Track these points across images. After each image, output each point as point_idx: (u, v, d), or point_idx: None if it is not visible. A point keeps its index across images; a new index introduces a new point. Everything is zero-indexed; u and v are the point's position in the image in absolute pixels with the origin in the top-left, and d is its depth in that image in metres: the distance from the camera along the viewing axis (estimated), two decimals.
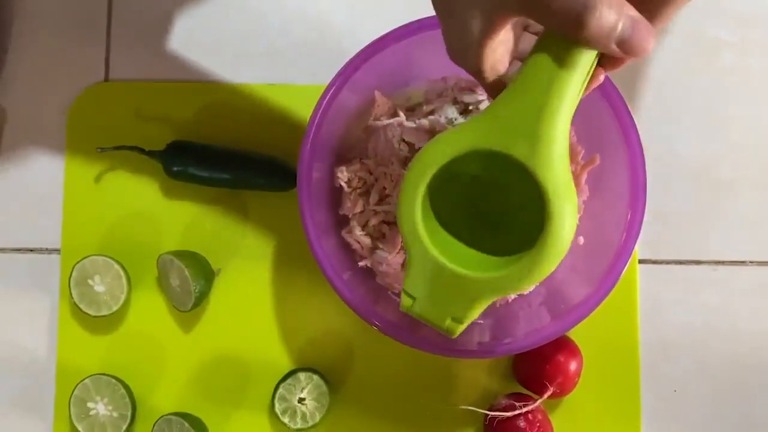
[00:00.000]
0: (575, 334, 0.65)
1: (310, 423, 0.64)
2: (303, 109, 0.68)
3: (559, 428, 0.65)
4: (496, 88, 0.44)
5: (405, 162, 0.61)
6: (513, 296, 0.62)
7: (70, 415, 0.65)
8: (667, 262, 0.68)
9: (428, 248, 0.46)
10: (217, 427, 0.67)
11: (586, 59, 0.40)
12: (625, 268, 0.56)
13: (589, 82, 0.43)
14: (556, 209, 0.43)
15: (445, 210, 0.48)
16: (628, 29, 0.37)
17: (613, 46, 0.38)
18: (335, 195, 0.63)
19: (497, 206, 0.50)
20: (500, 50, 0.43)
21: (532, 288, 0.45)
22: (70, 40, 0.71)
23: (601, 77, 0.44)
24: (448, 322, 0.47)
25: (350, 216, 0.62)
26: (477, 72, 0.44)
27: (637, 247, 0.65)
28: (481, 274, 0.46)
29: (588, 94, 0.56)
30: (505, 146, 0.43)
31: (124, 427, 0.65)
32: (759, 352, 0.67)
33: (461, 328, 0.47)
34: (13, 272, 0.69)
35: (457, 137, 0.44)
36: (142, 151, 0.67)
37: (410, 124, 0.61)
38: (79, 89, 0.70)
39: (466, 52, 0.42)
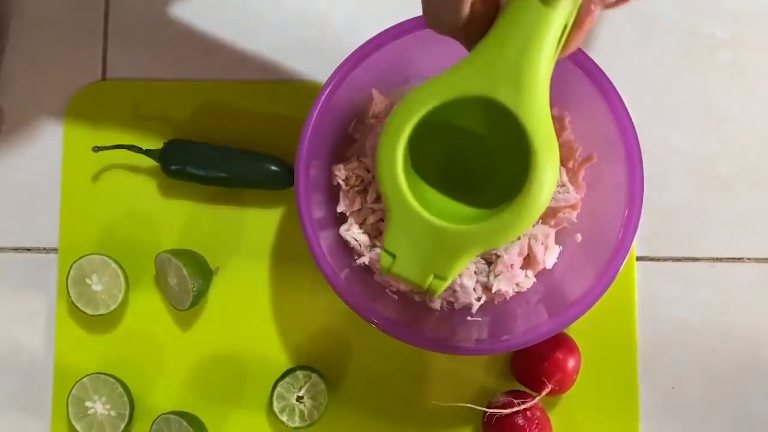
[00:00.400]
0: (573, 332, 0.65)
1: (308, 421, 0.64)
2: (300, 107, 0.68)
3: (558, 425, 0.65)
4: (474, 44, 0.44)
5: None
6: (511, 293, 0.62)
7: (68, 415, 0.65)
8: (665, 259, 0.68)
9: (409, 201, 0.45)
10: (216, 425, 0.67)
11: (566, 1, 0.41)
12: (623, 264, 0.56)
13: (566, 43, 0.43)
14: (540, 156, 0.43)
15: (423, 164, 0.47)
16: None
17: None
18: (333, 193, 0.63)
19: (475, 161, 0.49)
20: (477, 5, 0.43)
21: (516, 239, 0.44)
22: (67, 39, 0.71)
23: (585, 28, 0.44)
24: (430, 280, 0.45)
25: (348, 214, 0.62)
26: (455, 29, 0.43)
27: (634, 244, 0.65)
28: (463, 227, 0.45)
29: (586, 92, 0.56)
30: (490, 90, 0.42)
31: (123, 426, 0.65)
32: (757, 349, 0.67)
33: (444, 285, 0.46)
34: (10, 272, 0.69)
35: (440, 84, 0.44)
36: (139, 150, 0.67)
37: None
38: (76, 88, 0.70)
39: (446, 6, 0.42)
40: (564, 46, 0.44)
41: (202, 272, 0.65)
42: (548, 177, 0.43)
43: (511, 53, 0.42)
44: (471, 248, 0.44)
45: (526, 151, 0.43)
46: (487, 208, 0.46)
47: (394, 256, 0.46)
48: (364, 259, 0.62)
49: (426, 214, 0.45)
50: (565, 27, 0.43)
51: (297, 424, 0.64)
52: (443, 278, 0.45)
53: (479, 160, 0.50)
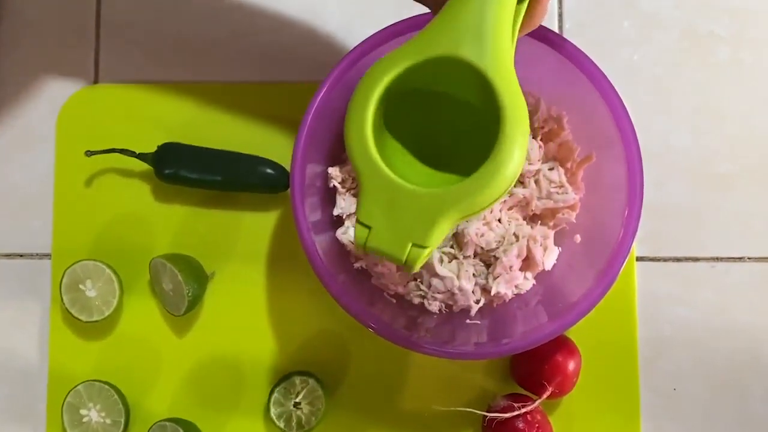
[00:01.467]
0: (573, 333, 0.65)
1: (306, 427, 0.63)
2: (295, 108, 0.67)
3: (559, 428, 0.65)
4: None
5: None
6: (510, 295, 0.61)
7: (62, 423, 0.64)
8: (665, 260, 0.67)
9: (379, 166, 0.44)
10: None
11: None
12: (623, 265, 0.55)
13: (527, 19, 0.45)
14: (509, 111, 0.43)
15: (396, 134, 0.47)
16: None
17: None
18: (329, 195, 0.62)
19: (449, 129, 0.49)
20: None
21: (494, 202, 0.44)
22: (59, 43, 0.70)
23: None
24: (408, 250, 0.44)
25: (344, 216, 0.62)
26: None
27: (634, 244, 0.64)
28: (438, 189, 0.44)
29: (584, 91, 0.56)
30: (453, 49, 0.43)
31: None
32: (758, 348, 0.67)
33: (424, 254, 0.44)
34: (3, 278, 0.68)
35: (406, 50, 0.44)
36: (132, 153, 0.66)
37: None
38: (68, 92, 0.70)
39: None
40: (525, 23, 0.45)
41: (197, 277, 0.65)
42: (519, 133, 0.43)
43: (472, 9, 0.43)
44: (448, 212, 0.43)
45: (496, 109, 0.43)
46: (466, 171, 0.45)
47: (369, 228, 0.44)
48: (361, 263, 0.61)
49: (396, 178, 0.44)
50: None
51: (294, 431, 0.63)
52: (422, 246, 0.44)
53: (453, 127, 0.49)
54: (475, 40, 0.43)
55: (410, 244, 0.44)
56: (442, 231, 0.44)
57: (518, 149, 0.43)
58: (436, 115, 0.48)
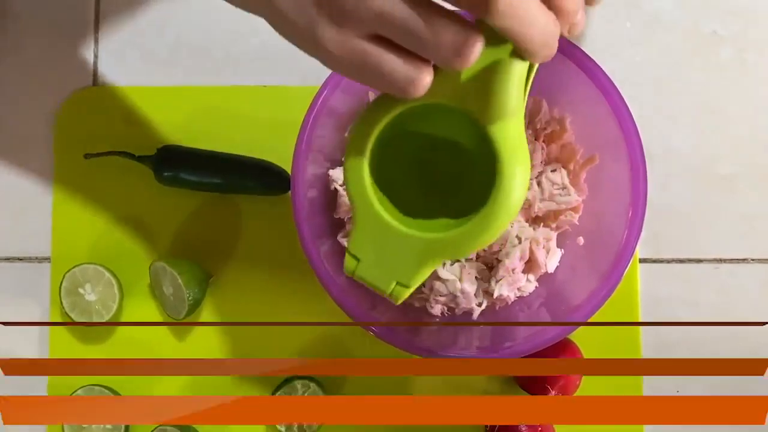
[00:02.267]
0: (576, 336, 0.64)
1: None
2: (296, 111, 0.66)
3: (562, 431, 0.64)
4: None
5: None
6: (512, 298, 0.61)
7: (62, 427, 0.64)
8: (668, 261, 0.67)
9: (374, 206, 0.45)
10: None
11: None
12: (628, 267, 0.55)
13: None
14: (507, 166, 0.42)
15: (397, 167, 0.47)
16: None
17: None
18: (330, 198, 0.62)
19: (450, 165, 0.49)
20: None
21: (479, 250, 0.45)
22: (57, 44, 0.70)
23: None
24: (393, 287, 0.45)
25: (346, 220, 0.61)
26: None
27: (637, 246, 0.64)
28: (428, 235, 0.44)
29: (587, 92, 0.55)
30: (456, 101, 0.42)
31: None
32: (761, 350, 0.66)
33: (407, 293, 0.45)
34: (2, 282, 0.68)
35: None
36: (131, 156, 0.66)
37: None
38: (66, 94, 0.69)
39: None
40: None
41: (198, 280, 0.64)
42: (517, 185, 0.42)
43: (480, 66, 0.41)
44: (435, 257, 0.44)
45: (493, 156, 0.42)
46: (461, 214, 0.45)
47: (358, 260, 0.45)
48: None
49: (392, 221, 0.45)
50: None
51: None
52: (406, 286, 0.45)
53: (454, 165, 0.49)
54: (481, 95, 0.41)
55: (395, 282, 0.45)
56: (426, 273, 0.45)
57: (513, 204, 0.42)
58: (435, 146, 0.48)
